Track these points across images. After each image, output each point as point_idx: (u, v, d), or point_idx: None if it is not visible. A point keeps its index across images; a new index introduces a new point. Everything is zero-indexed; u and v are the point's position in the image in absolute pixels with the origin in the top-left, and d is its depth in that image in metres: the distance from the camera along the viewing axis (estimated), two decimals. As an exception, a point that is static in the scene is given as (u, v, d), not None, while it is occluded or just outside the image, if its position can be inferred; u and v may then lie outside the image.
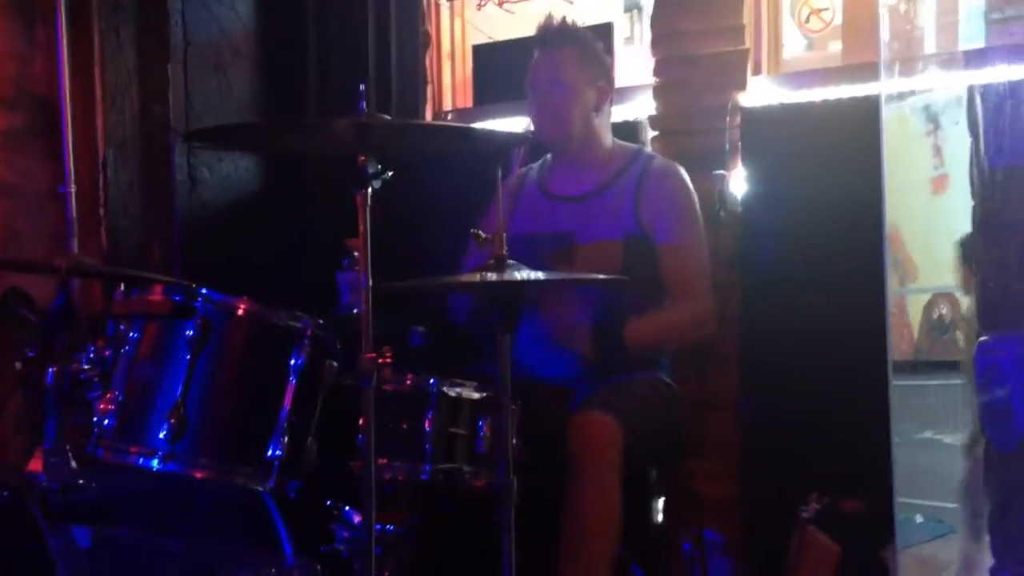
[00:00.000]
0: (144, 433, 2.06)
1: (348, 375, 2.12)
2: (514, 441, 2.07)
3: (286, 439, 2.09)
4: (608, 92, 2.78)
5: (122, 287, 2.20)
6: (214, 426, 2.10)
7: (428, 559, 2.30)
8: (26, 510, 1.95)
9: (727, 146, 2.95)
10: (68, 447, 2.03)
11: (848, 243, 2.63)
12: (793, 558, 2.54)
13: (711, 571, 2.70)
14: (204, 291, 2.10)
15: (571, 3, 3.54)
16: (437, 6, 3.71)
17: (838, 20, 3.18)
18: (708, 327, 2.66)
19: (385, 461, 2.14)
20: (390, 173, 1.96)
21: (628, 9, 3.82)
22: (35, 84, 3.24)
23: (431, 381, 2.19)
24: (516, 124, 3.34)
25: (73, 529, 2.11)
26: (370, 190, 1.93)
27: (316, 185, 3.62)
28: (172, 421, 2.04)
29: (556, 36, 2.75)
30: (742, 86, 3.01)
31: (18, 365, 2.10)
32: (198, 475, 2.07)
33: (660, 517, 2.70)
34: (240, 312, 2.14)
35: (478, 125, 3.30)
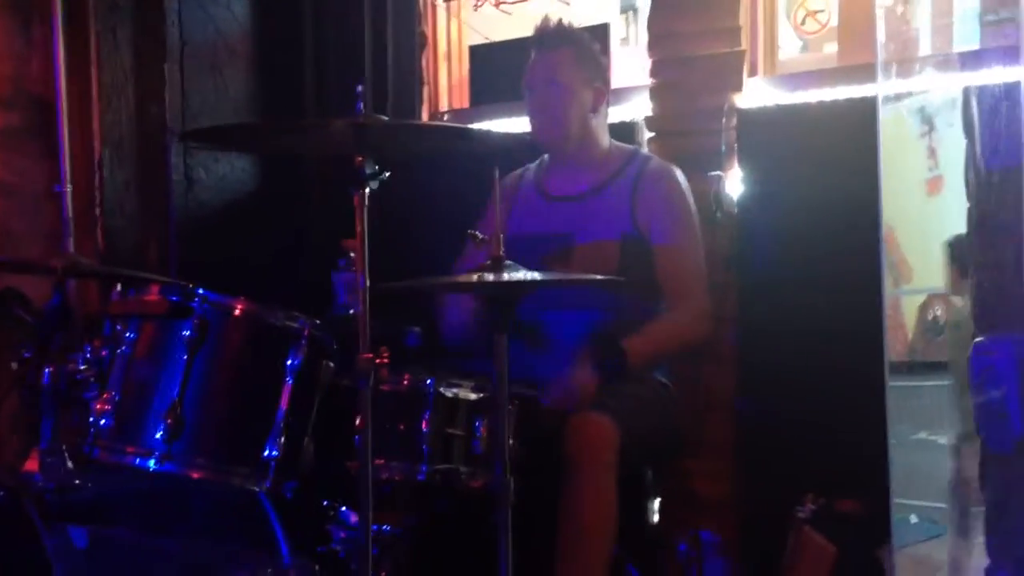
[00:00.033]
0: (141, 433, 2.06)
1: (345, 375, 2.12)
2: (511, 442, 2.07)
3: (283, 439, 2.10)
4: (605, 93, 2.78)
5: (119, 287, 2.20)
6: (211, 426, 2.10)
7: (425, 559, 2.30)
8: (22, 510, 1.95)
9: (723, 147, 2.95)
10: (64, 447, 2.03)
11: (844, 244, 2.64)
12: (789, 558, 2.54)
13: (707, 571, 2.70)
14: (201, 291, 2.10)
15: (567, 4, 3.55)
16: (434, 7, 3.71)
17: (834, 22, 3.19)
18: (705, 328, 2.66)
19: (382, 461, 2.14)
20: (387, 174, 1.96)
21: (624, 10, 3.83)
22: (31, 83, 3.24)
23: (428, 382, 2.20)
24: (513, 125, 3.35)
25: (70, 529, 2.10)
26: (367, 191, 1.93)
27: (312, 185, 3.62)
28: (169, 421, 2.04)
29: (553, 37, 2.76)
30: (738, 87, 3.01)
31: (14, 365, 2.10)
32: (195, 475, 2.08)
33: (656, 517, 2.70)
34: (237, 312, 2.14)
35: (475, 126, 3.30)
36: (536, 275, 2.00)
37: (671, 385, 2.71)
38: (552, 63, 2.72)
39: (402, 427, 2.18)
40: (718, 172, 2.95)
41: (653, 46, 3.14)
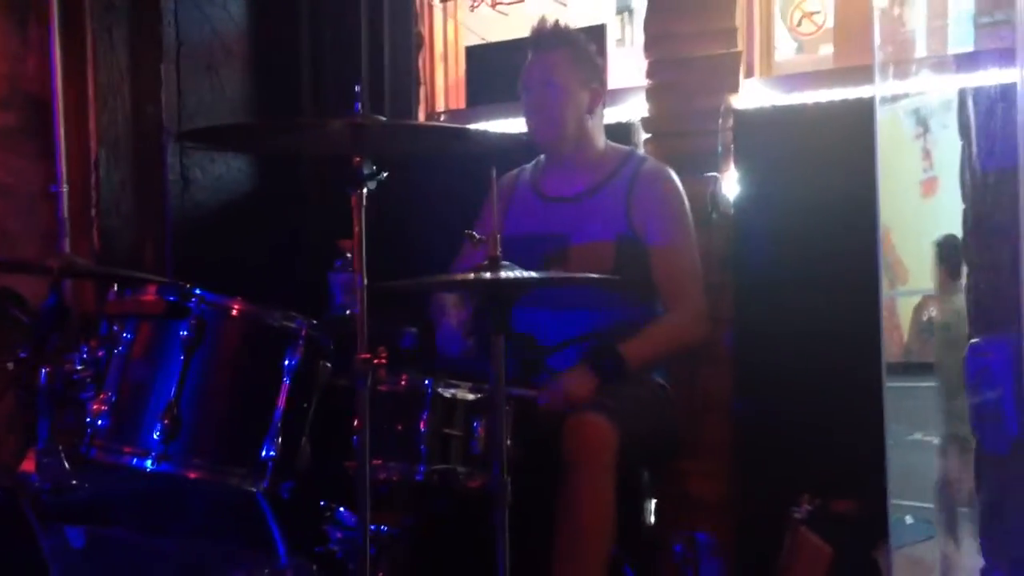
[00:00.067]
0: (138, 433, 2.06)
1: (342, 376, 2.12)
2: (508, 442, 2.07)
3: (280, 440, 2.10)
4: (601, 94, 2.78)
5: (115, 287, 2.20)
6: (208, 427, 2.10)
7: (423, 560, 2.31)
8: (19, 511, 1.95)
9: (719, 148, 2.96)
10: (61, 447, 2.02)
11: (840, 245, 2.64)
12: (785, 559, 2.54)
13: (703, 572, 2.70)
14: (198, 291, 2.10)
15: (564, 5, 3.55)
16: (430, 7, 3.71)
17: (829, 23, 3.19)
18: (702, 329, 2.67)
19: (380, 462, 2.14)
20: (385, 174, 1.96)
21: (620, 11, 3.83)
22: (28, 83, 3.24)
23: (426, 382, 2.20)
24: (509, 125, 3.35)
25: (66, 529, 2.10)
26: (365, 191, 1.93)
27: (308, 186, 3.62)
28: (166, 421, 2.04)
29: (549, 38, 2.76)
30: (734, 89, 3.02)
31: (10, 365, 2.10)
32: (192, 476, 2.07)
33: (652, 518, 2.70)
34: (234, 312, 2.14)
35: (471, 126, 3.30)
36: (532, 274, 2.01)
37: (668, 386, 2.71)
38: (548, 64, 2.72)
39: (400, 427, 2.18)
40: (714, 173, 2.95)
41: (649, 47, 3.14)
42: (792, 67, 3.25)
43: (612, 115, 3.05)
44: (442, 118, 3.68)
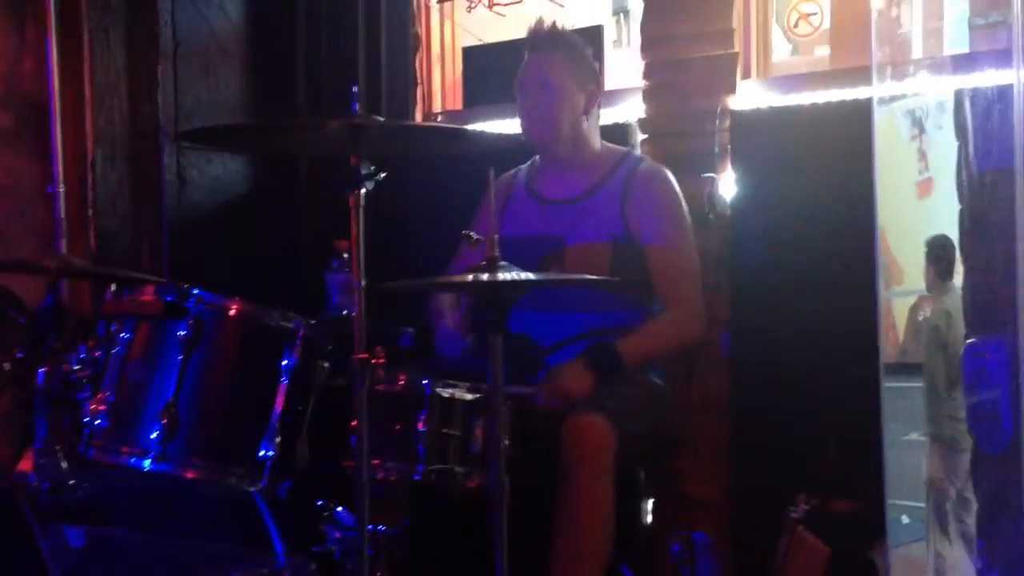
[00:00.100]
0: (136, 433, 2.06)
1: (340, 376, 2.12)
2: (506, 442, 2.08)
3: (278, 439, 2.10)
4: (597, 96, 2.78)
5: (113, 287, 2.20)
6: (206, 426, 2.10)
7: (421, 560, 2.31)
8: (18, 510, 1.95)
9: (716, 149, 2.96)
10: (59, 447, 2.02)
11: (837, 245, 2.65)
12: (782, 559, 2.55)
13: (700, 572, 2.70)
14: (196, 291, 2.10)
15: (561, 6, 3.56)
16: (427, 8, 3.72)
17: (826, 25, 3.20)
18: (699, 329, 2.67)
19: (378, 461, 2.14)
20: (382, 174, 1.96)
21: (616, 12, 3.84)
22: (24, 83, 3.24)
23: (424, 382, 2.20)
24: (506, 126, 3.35)
25: (65, 529, 2.10)
26: (362, 191, 1.93)
27: (305, 186, 3.61)
28: (164, 421, 2.04)
29: (546, 40, 2.76)
30: (731, 90, 3.02)
31: (7, 366, 2.10)
32: (190, 475, 2.07)
33: (649, 518, 2.70)
34: (232, 312, 2.14)
35: (468, 127, 3.31)
36: (530, 275, 2.01)
37: (665, 386, 2.71)
38: (545, 65, 2.72)
39: (398, 427, 2.18)
40: (711, 174, 2.95)
41: (646, 48, 3.15)
42: (789, 68, 3.26)
43: (609, 116, 3.06)
44: (439, 119, 3.68)
